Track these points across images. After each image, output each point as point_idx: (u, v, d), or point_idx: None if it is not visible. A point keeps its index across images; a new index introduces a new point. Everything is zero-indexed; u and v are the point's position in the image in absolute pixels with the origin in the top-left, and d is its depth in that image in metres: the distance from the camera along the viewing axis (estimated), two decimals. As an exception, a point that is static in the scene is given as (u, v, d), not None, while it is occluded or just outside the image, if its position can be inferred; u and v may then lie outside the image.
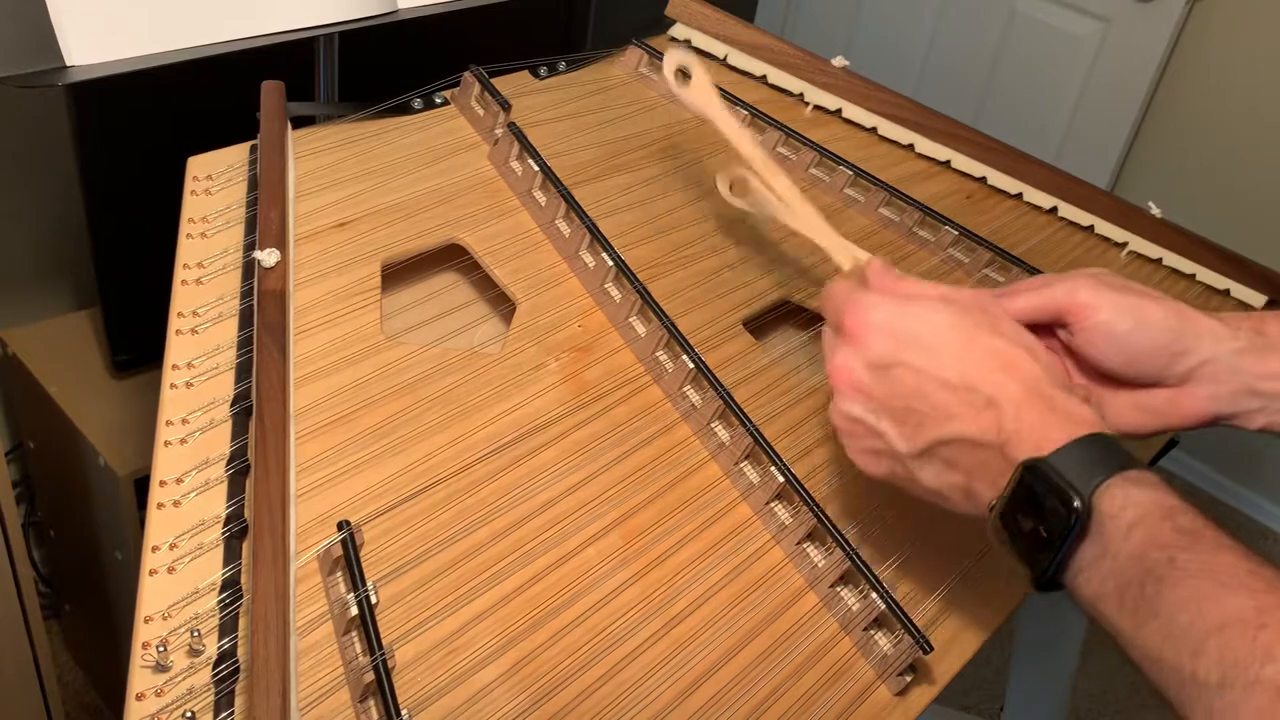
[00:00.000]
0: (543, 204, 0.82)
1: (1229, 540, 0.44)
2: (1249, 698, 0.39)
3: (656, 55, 1.00)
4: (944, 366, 0.52)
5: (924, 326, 0.53)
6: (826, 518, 0.63)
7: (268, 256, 0.69)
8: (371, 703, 0.52)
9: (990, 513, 0.51)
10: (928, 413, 0.52)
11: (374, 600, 0.55)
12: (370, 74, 1.03)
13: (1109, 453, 0.48)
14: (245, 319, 0.69)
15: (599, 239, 0.77)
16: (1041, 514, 0.47)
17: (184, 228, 0.75)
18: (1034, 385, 0.51)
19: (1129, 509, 0.46)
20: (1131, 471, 0.47)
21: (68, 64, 0.78)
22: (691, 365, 0.70)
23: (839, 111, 1.03)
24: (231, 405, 0.63)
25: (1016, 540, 0.49)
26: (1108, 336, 0.59)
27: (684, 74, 0.68)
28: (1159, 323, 0.59)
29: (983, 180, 1.02)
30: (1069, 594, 0.48)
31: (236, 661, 0.52)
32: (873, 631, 0.62)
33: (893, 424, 0.53)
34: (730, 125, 0.67)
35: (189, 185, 0.78)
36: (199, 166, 0.80)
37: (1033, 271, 0.89)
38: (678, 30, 1.04)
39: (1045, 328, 0.61)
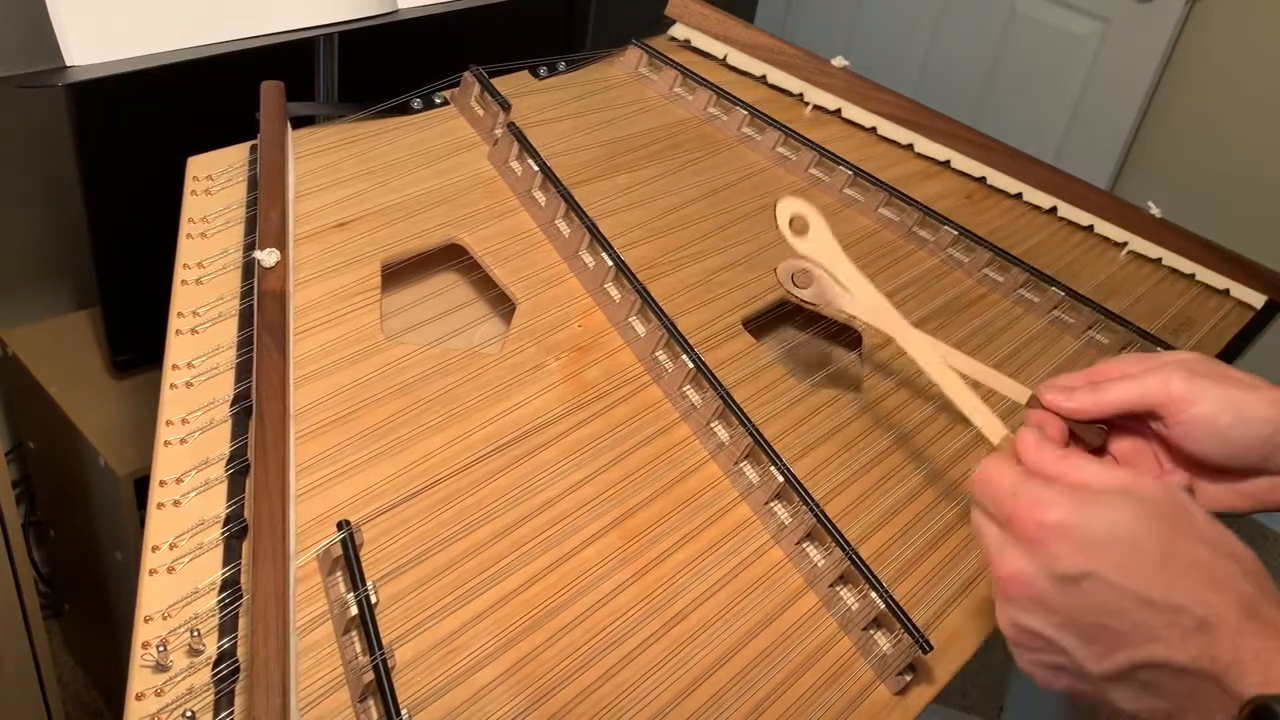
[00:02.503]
0: (543, 204, 0.82)
1: None
2: None
3: (656, 55, 1.00)
4: (1144, 581, 0.45)
5: (1116, 532, 0.47)
6: (826, 517, 0.63)
7: (268, 256, 0.69)
8: (371, 702, 0.52)
9: None
10: (1125, 631, 0.46)
11: (374, 600, 0.55)
12: (370, 74, 1.03)
13: None
14: (245, 319, 0.69)
15: (599, 239, 0.77)
16: None
17: (184, 228, 0.75)
18: (1249, 603, 0.45)
19: None
20: None
21: (68, 64, 0.78)
22: (691, 365, 0.70)
23: (839, 111, 1.03)
24: (231, 405, 0.63)
25: None
26: (1207, 431, 0.55)
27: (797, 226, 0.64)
28: (1259, 414, 0.56)
29: (983, 180, 1.02)
30: None
31: (236, 661, 0.52)
32: (872, 631, 0.62)
33: (1080, 642, 0.47)
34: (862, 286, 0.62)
35: (189, 185, 0.78)
36: (199, 166, 0.80)
37: (1033, 271, 0.89)
38: (678, 30, 1.04)
39: (1135, 416, 0.58)
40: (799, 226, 0.62)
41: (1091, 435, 0.59)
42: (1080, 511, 0.47)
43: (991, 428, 0.58)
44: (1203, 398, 0.55)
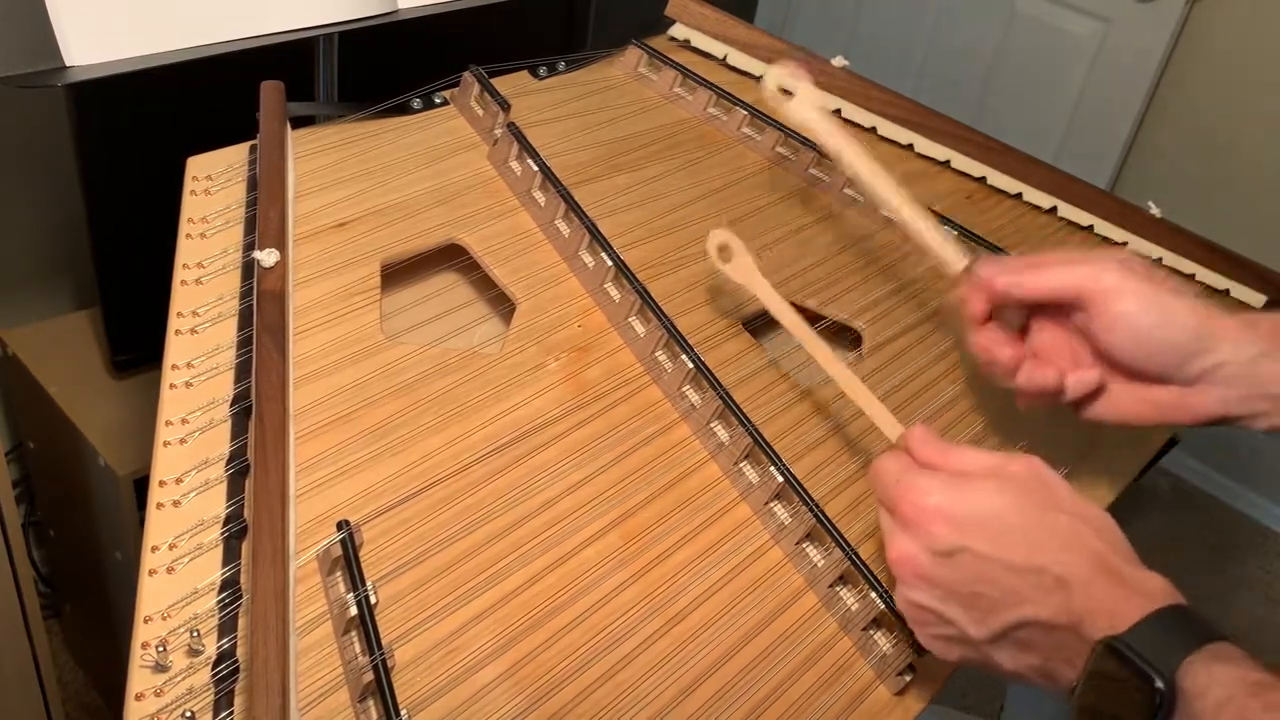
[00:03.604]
0: (542, 204, 0.82)
1: None
2: None
3: (656, 55, 1.00)
4: (1009, 549, 0.50)
5: (984, 509, 0.51)
6: (826, 517, 0.63)
7: (267, 256, 0.69)
8: (371, 702, 0.52)
9: (1072, 696, 0.49)
10: (997, 598, 0.51)
11: (373, 600, 0.55)
12: (370, 74, 1.03)
13: (1188, 627, 0.47)
14: (245, 319, 0.69)
15: (598, 239, 0.77)
16: (1123, 696, 0.46)
17: (184, 228, 0.75)
18: (1101, 560, 0.50)
19: (1215, 688, 0.44)
20: (1213, 645, 0.46)
21: (67, 64, 0.78)
22: (691, 365, 0.70)
23: (839, 111, 1.03)
24: (231, 405, 0.63)
25: None
26: (1128, 328, 0.58)
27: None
28: (1181, 322, 0.58)
29: (983, 180, 1.02)
30: None
31: (236, 661, 0.52)
32: (872, 631, 0.62)
33: (963, 610, 0.52)
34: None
35: (189, 185, 0.78)
36: (199, 166, 0.80)
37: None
38: (677, 30, 1.04)
39: (1060, 309, 0.60)
40: (725, 255, 0.69)
41: (1012, 316, 0.61)
42: (953, 494, 0.52)
43: (888, 426, 0.60)
44: (1130, 295, 0.57)
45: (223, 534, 0.57)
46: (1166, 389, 0.60)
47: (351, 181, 0.82)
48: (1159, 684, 0.45)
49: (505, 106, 0.86)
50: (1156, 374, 0.60)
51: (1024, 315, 0.62)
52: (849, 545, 0.62)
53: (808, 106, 0.66)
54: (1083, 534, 0.51)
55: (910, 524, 0.53)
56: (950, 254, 0.64)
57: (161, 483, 0.59)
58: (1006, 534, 0.51)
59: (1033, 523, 0.51)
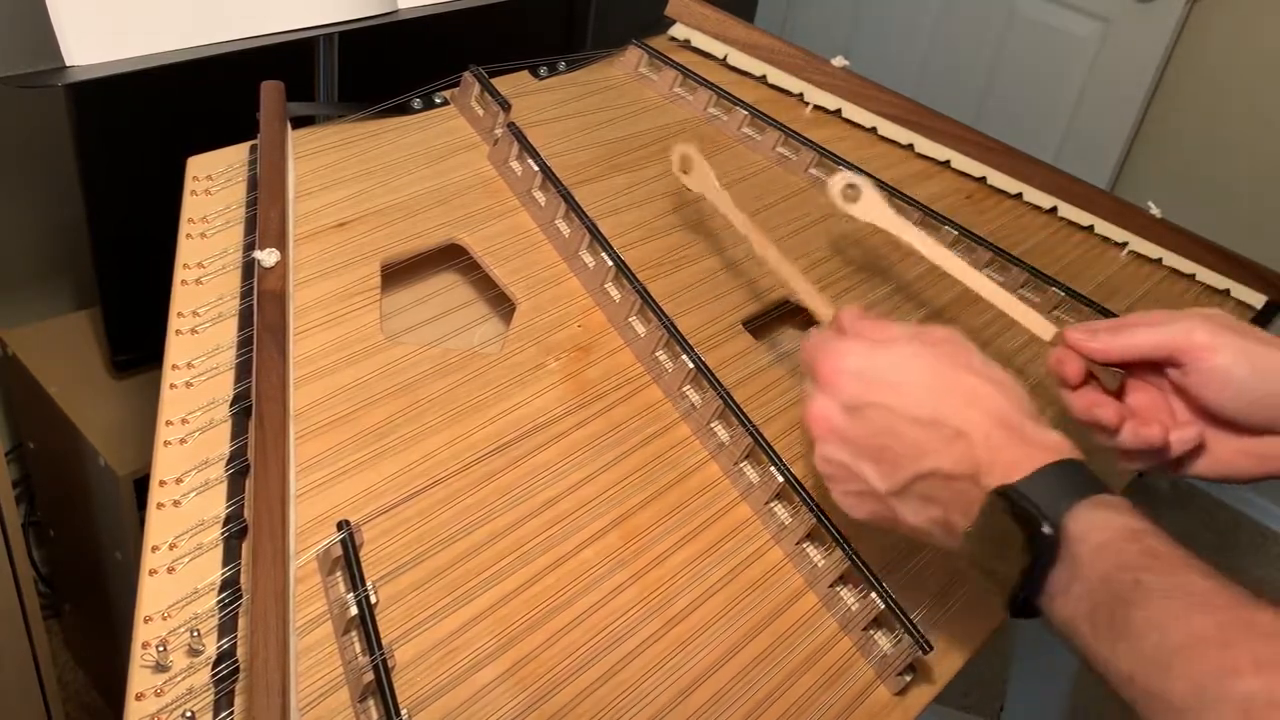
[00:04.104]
0: (542, 204, 0.82)
1: (1196, 561, 0.44)
2: (1215, 716, 0.39)
3: (657, 55, 1.00)
4: (914, 403, 0.52)
5: (894, 367, 0.54)
6: (826, 518, 0.63)
7: (267, 256, 0.69)
8: (371, 702, 0.52)
9: (965, 541, 0.51)
10: (902, 451, 0.52)
11: (373, 600, 0.55)
12: (370, 74, 1.03)
13: (1078, 478, 0.48)
14: (245, 319, 0.69)
15: (599, 239, 0.77)
16: (1010, 541, 0.47)
17: (184, 228, 0.75)
18: (1001, 415, 0.51)
19: (1095, 532, 0.46)
20: (1100, 496, 0.47)
21: (67, 64, 0.78)
22: (691, 365, 0.70)
23: (839, 111, 1.03)
24: (231, 405, 0.63)
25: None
26: (1224, 381, 0.58)
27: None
28: (1276, 371, 0.58)
29: (983, 180, 1.02)
30: (1044, 619, 0.48)
31: (236, 661, 0.52)
32: (872, 631, 0.62)
33: (871, 464, 0.54)
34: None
35: (189, 185, 0.78)
36: (199, 166, 0.80)
37: (1033, 272, 0.89)
38: (677, 30, 1.04)
39: (1153, 366, 0.61)
40: (684, 165, 0.75)
41: (1109, 378, 0.61)
42: (868, 356, 0.55)
43: (821, 309, 0.63)
44: (1222, 349, 0.58)
45: (223, 534, 0.57)
46: (1267, 440, 0.60)
47: (351, 181, 0.82)
48: (1045, 529, 0.46)
49: (505, 106, 0.86)
50: (1258, 425, 0.60)
51: (1120, 376, 0.62)
52: (849, 545, 0.62)
53: (876, 206, 0.71)
54: (987, 393, 0.52)
55: (826, 384, 0.55)
56: (1037, 324, 0.66)
57: (162, 483, 0.59)
58: (912, 389, 0.53)
59: (940, 381, 0.53)
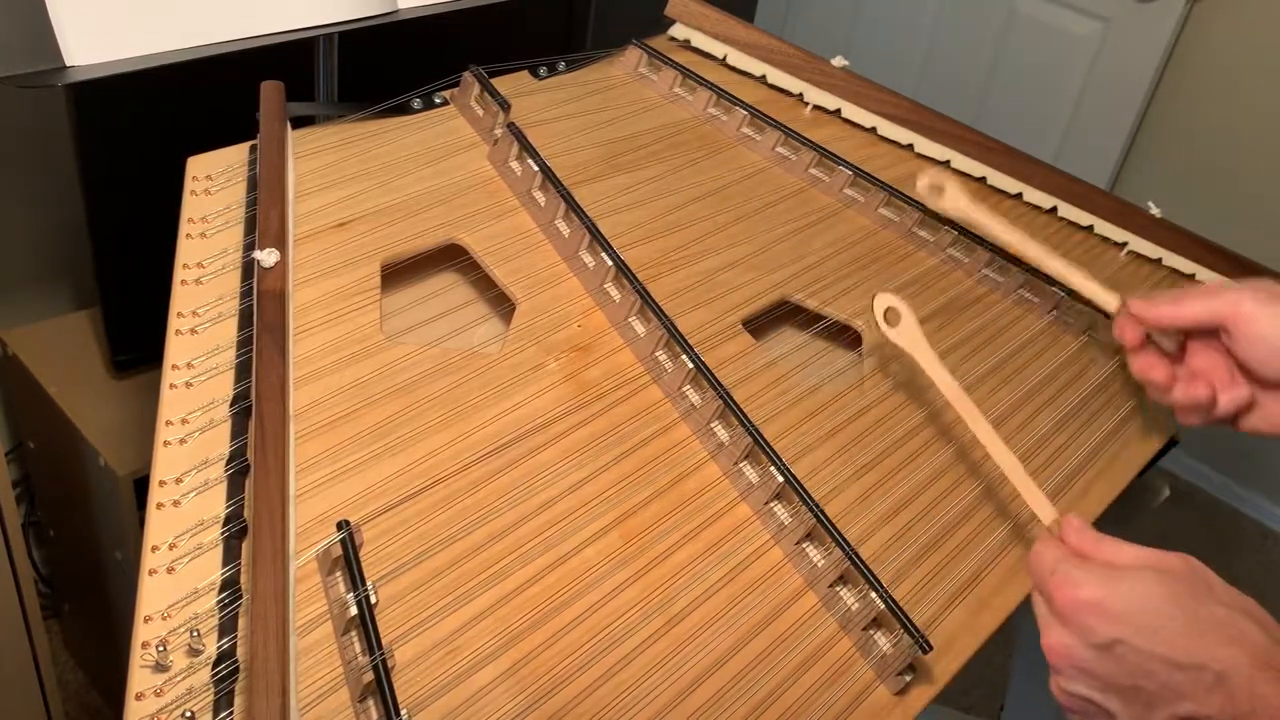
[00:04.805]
0: (542, 204, 0.82)
1: None
2: None
3: (656, 55, 1.00)
4: (1168, 644, 0.50)
5: (1141, 603, 0.52)
6: (826, 517, 0.63)
7: (267, 256, 0.69)
8: (371, 702, 0.52)
9: None
10: (1157, 691, 0.51)
11: (373, 600, 0.55)
12: (370, 74, 1.03)
13: None
14: (245, 319, 0.69)
15: (599, 239, 0.77)
16: None
17: (184, 228, 0.75)
18: (1264, 656, 0.49)
19: None
20: None
21: (67, 64, 0.78)
22: (691, 365, 0.70)
23: (839, 111, 1.03)
24: (231, 405, 0.63)
25: None
26: (1267, 347, 0.63)
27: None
28: None
29: (983, 180, 1.02)
30: None
31: (236, 661, 0.52)
32: (872, 631, 0.62)
33: (1122, 703, 0.52)
34: (939, 372, 0.69)
35: (189, 185, 0.78)
36: (199, 166, 0.80)
37: (1033, 272, 0.89)
38: (677, 30, 1.04)
39: (1210, 333, 0.66)
40: (891, 318, 0.70)
41: (1167, 342, 0.68)
42: (1107, 587, 0.52)
43: (1043, 510, 0.61)
44: (1266, 318, 0.63)
45: (223, 534, 0.57)
46: None
47: (351, 181, 0.82)
48: None
49: (505, 106, 0.86)
50: None
51: (1179, 340, 0.68)
52: (849, 545, 0.62)
53: (960, 199, 0.74)
54: (1244, 629, 0.50)
55: (1065, 617, 0.53)
56: (1105, 297, 0.72)
57: (161, 483, 0.59)
58: (1165, 628, 0.51)
59: (1190, 615, 0.51)
